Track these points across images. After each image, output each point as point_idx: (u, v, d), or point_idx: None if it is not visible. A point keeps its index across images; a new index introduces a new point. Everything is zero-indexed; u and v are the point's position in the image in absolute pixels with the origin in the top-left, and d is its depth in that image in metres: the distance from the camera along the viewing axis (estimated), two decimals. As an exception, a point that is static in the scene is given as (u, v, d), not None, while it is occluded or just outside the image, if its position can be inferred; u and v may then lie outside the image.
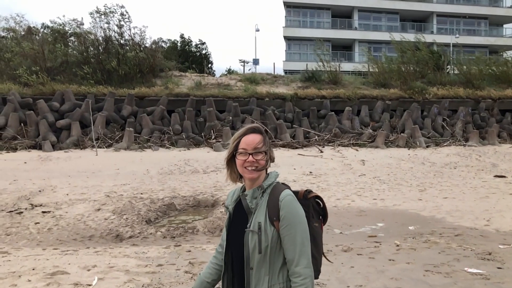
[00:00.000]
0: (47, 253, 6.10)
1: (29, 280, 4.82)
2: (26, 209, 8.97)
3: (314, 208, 2.08)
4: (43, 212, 8.82)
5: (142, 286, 4.72)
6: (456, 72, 27.21)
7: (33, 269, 5.22)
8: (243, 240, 1.94)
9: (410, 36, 30.50)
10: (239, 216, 2.02)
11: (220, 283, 2.13)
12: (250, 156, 1.97)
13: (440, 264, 5.49)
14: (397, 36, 29.80)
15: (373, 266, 5.48)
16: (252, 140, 2.00)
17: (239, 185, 2.12)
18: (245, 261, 1.93)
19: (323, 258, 2.16)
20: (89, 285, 4.73)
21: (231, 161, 2.06)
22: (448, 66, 27.77)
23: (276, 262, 1.93)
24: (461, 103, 23.61)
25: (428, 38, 31.80)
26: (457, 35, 38.28)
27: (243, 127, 2.13)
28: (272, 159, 2.07)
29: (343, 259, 5.77)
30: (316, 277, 2.00)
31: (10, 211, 8.73)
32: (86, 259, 5.75)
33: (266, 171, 2.07)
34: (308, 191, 2.07)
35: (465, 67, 25.96)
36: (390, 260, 5.74)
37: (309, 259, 1.93)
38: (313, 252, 1.98)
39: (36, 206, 9.28)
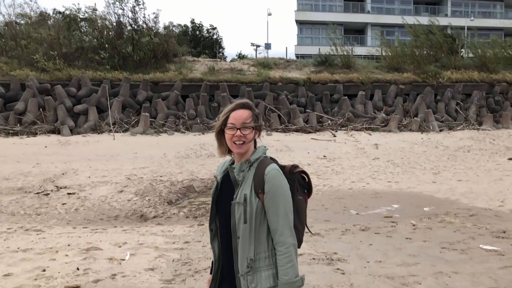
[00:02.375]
0: (78, 231, 6.42)
1: (67, 255, 5.13)
2: (52, 190, 9.33)
3: (299, 182, 2.16)
4: (68, 193, 9.17)
5: (173, 261, 5.00)
6: (470, 55, 26.89)
7: (68, 245, 5.53)
8: (229, 210, 2.04)
9: (423, 20, 30.11)
10: (226, 187, 2.11)
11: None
12: (238, 131, 2.05)
13: (456, 242, 5.68)
14: (410, 20, 29.44)
15: (391, 244, 5.70)
16: (240, 115, 2.07)
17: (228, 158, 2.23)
18: (232, 231, 2.02)
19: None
20: (123, 259, 5.02)
21: (220, 136, 2.15)
22: (462, 50, 27.45)
23: (261, 231, 2.02)
24: (475, 87, 23.42)
25: (442, 21, 31.35)
26: (472, 18, 37.67)
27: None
28: (259, 131, 2.17)
29: (362, 238, 6.00)
30: (299, 246, 2.10)
31: (37, 193, 9.09)
32: (115, 237, 6.05)
33: (255, 145, 2.16)
34: (295, 166, 2.15)
35: (480, 50, 25.64)
36: (407, 238, 5.95)
37: (292, 229, 2.03)
38: (296, 223, 2.07)
39: (61, 188, 9.63)
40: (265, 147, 2.18)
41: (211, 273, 2.27)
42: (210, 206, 2.20)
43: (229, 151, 2.16)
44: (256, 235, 2.01)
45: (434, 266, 4.79)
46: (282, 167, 2.11)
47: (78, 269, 4.64)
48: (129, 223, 7.34)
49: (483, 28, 37.76)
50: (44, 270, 4.59)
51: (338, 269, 4.71)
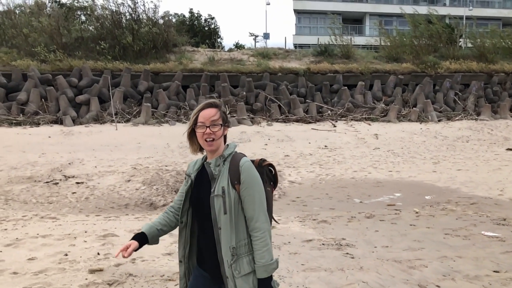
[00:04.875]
0: (91, 219, 6.61)
1: (85, 241, 5.32)
2: (60, 180, 9.49)
3: (267, 174, 2.30)
4: (77, 183, 9.34)
5: (188, 246, 5.20)
6: (469, 45, 27.03)
7: (85, 232, 5.72)
8: (204, 203, 2.18)
9: (422, 9, 30.18)
10: (199, 183, 2.25)
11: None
12: (208, 128, 2.17)
13: (458, 229, 5.91)
14: (408, 9, 29.52)
15: (396, 230, 5.92)
16: (208, 114, 2.20)
17: (199, 156, 2.38)
18: (213, 223, 2.15)
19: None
20: (140, 245, 5.21)
21: (192, 135, 2.27)
22: (461, 40, 27.57)
23: (240, 221, 2.16)
24: (474, 77, 23.60)
25: (440, 10, 31.47)
26: (471, 8, 37.74)
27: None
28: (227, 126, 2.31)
29: (367, 224, 6.22)
30: None
31: (47, 182, 9.25)
32: (129, 224, 6.25)
33: (225, 142, 2.30)
34: (263, 160, 2.31)
35: (478, 40, 25.78)
36: (411, 225, 6.18)
37: (266, 215, 2.18)
38: None
39: (69, 177, 9.78)
40: (235, 143, 2.32)
41: (133, 239, 2.30)
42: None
43: (201, 149, 2.30)
44: (236, 224, 2.15)
45: (439, 251, 5.02)
46: (252, 161, 2.26)
47: (98, 253, 4.83)
48: (139, 211, 7.54)
49: (481, 18, 37.85)
50: (66, 255, 4.78)
51: (347, 253, 4.93)
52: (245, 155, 2.26)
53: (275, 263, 2.17)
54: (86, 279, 4.12)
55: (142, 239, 2.32)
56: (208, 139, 2.19)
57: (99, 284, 4.00)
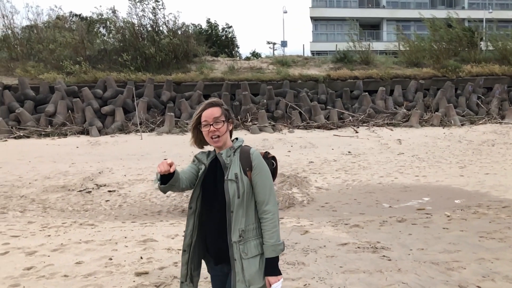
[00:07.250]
0: (128, 225, 6.81)
1: (126, 246, 5.51)
2: (93, 188, 9.76)
3: (270, 166, 2.48)
4: (109, 191, 9.59)
5: (226, 250, 5.34)
6: (490, 48, 26.72)
7: (125, 238, 5.91)
8: (217, 188, 2.33)
9: (440, 13, 30.01)
10: (214, 170, 2.40)
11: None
12: (211, 126, 2.35)
13: (493, 231, 5.91)
14: (426, 14, 29.39)
15: (429, 233, 5.95)
16: (211, 113, 2.37)
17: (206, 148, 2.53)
18: (226, 206, 2.28)
19: None
20: (180, 249, 5.37)
21: (196, 131, 2.46)
22: (482, 43, 27.26)
23: (250, 206, 2.32)
24: (497, 80, 23.32)
25: (459, 14, 31.22)
26: (491, 10, 37.32)
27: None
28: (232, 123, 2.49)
29: (400, 228, 6.26)
30: None
31: (80, 191, 9.53)
32: (165, 230, 6.42)
33: (231, 136, 2.48)
34: (267, 153, 2.52)
35: (500, 43, 25.48)
36: (444, 228, 6.19)
37: (276, 200, 2.36)
38: None
39: (101, 186, 10.06)
40: (243, 139, 2.50)
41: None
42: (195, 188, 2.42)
43: (204, 144, 2.49)
44: (246, 208, 2.31)
45: (475, 253, 5.04)
46: None
47: (141, 258, 5.00)
48: (172, 217, 7.71)
49: (501, 20, 37.36)
50: (110, 259, 4.96)
51: (383, 256, 4.99)
52: (252, 147, 2.45)
53: (282, 244, 2.33)
54: (134, 281, 4.28)
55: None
56: (213, 136, 2.36)
57: (147, 286, 4.16)
